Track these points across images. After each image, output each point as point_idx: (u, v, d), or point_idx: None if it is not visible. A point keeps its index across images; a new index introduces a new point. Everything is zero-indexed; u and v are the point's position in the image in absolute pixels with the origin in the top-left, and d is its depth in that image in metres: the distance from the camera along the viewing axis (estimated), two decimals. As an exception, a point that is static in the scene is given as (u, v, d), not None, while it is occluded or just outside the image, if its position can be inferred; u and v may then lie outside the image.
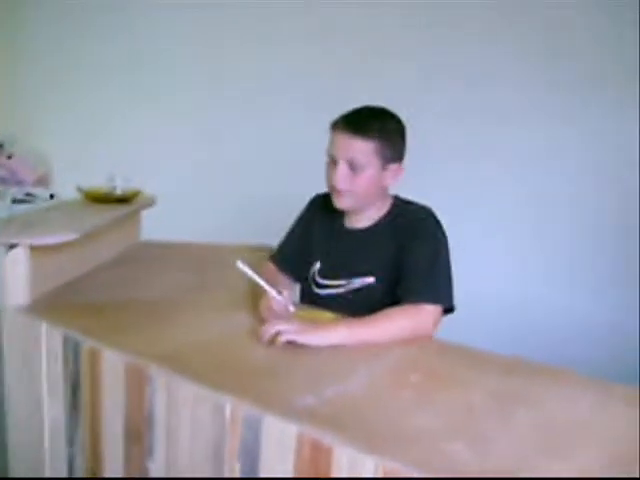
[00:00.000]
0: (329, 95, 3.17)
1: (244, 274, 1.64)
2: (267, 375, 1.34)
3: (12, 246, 1.69)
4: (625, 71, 2.71)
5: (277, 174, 3.53)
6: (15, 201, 4.62)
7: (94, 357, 1.49)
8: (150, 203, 2.56)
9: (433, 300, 1.59)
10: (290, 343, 1.46)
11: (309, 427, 1.12)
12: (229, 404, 1.21)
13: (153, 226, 2.67)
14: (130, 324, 1.62)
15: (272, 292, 1.65)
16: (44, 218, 2.05)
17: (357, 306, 1.67)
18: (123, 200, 2.40)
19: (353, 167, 1.68)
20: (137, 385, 1.39)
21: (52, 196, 4.54)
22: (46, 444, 1.65)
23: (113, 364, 1.44)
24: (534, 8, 2.87)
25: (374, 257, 1.77)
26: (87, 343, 1.51)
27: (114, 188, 2.41)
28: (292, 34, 3.54)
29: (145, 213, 2.62)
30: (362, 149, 1.67)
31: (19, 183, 4.76)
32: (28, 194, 4.62)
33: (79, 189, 2.41)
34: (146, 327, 1.59)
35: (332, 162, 1.72)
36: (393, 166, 1.73)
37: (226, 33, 3.78)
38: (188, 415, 1.30)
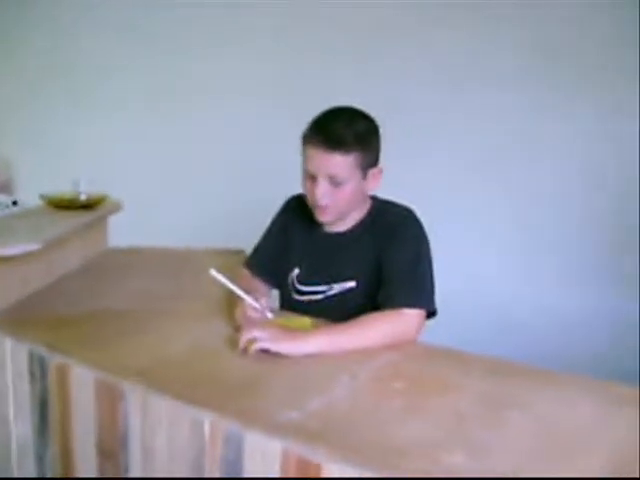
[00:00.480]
0: (309, 96, 3.11)
1: (218, 282, 1.57)
2: (247, 388, 1.27)
3: (-29, 258, 1.61)
4: (625, 70, 2.70)
5: (252, 176, 3.45)
6: (-24, 208, 4.49)
7: (62, 374, 1.41)
8: (116, 208, 2.48)
9: (415, 304, 1.54)
10: (265, 352, 1.40)
11: (295, 443, 1.06)
12: (208, 420, 1.15)
13: (123, 232, 2.60)
14: (100, 337, 1.54)
15: (248, 299, 1.59)
16: (5, 227, 1.97)
17: (338, 311, 1.61)
18: (88, 206, 2.32)
19: (334, 182, 1.61)
20: (109, 403, 1.32)
21: (15, 203, 4.41)
22: (14, 464, 1.57)
23: (83, 381, 1.37)
24: (535, 7, 2.85)
25: (354, 261, 1.71)
26: (54, 359, 1.43)
27: (78, 194, 2.33)
28: (268, 33, 3.47)
29: (114, 219, 2.54)
30: (342, 164, 1.59)
31: (-21, 190, 4.62)
32: (-10, 201, 4.48)
33: (42, 196, 2.32)
34: (117, 340, 1.52)
35: (310, 177, 1.64)
36: (373, 171, 1.67)
37: (200, 34, 3.69)
38: (165, 433, 1.23)
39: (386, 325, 1.52)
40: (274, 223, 1.90)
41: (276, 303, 1.87)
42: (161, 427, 1.23)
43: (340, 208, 1.67)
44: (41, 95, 4.39)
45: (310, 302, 1.76)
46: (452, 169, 3.06)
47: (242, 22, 3.55)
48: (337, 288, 1.71)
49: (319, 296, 1.74)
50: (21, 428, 1.53)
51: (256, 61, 3.51)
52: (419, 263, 1.61)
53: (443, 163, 3.07)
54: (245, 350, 1.41)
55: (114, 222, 2.57)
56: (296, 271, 1.80)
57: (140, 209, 3.40)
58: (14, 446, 1.56)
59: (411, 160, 2.64)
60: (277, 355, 1.40)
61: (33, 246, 1.71)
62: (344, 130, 1.59)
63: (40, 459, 1.51)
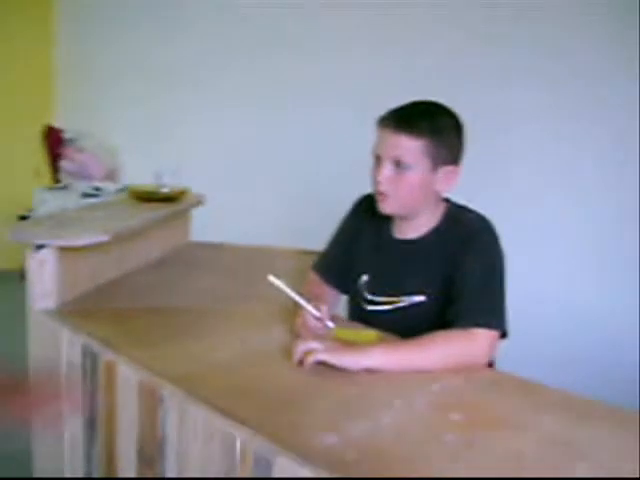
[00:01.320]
0: (386, 94, 3.01)
1: (278, 289, 1.50)
2: (290, 403, 1.19)
3: (41, 246, 1.61)
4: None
5: (335, 174, 3.37)
6: (84, 195, 4.66)
7: (110, 371, 1.38)
8: (198, 202, 2.45)
9: (487, 324, 1.40)
10: (321, 364, 1.31)
11: (325, 473, 0.97)
12: (240, 438, 1.07)
13: (210, 227, 2.59)
14: (153, 336, 1.50)
15: (308, 307, 1.50)
16: (82, 217, 1.97)
17: (409, 326, 1.48)
18: (169, 199, 2.31)
19: (399, 167, 1.50)
20: (150, 406, 1.27)
21: (120, 190, 4.55)
22: (66, 458, 1.56)
23: (128, 380, 1.33)
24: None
25: (425, 273, 1.58)
26: (105, 355, 1.40)
27: (160, 186, 2.32)
28: (345, 30, 3.38)
29: (203, 213, 2.52)
30: (409, 147, 1.48)
31: (89, 177, 4.79)
32: (97, 188, 4.64)
33: (124, 187, 2.32)
34: (170, 340, 1.47)
35: (377, 161, 1.55)
36: (446, 168, 1.53)
37: (282, 34, 3.67)
38: (200, 444, 1.16)
39: (453, 345, 1.40)
40: (343, 225, 1.80)
41: (342, 310, 1.78)
42: (196, 437, 1.17)
43: (402, 199, 1.54)
44: (148, 88, 4.49)
45: (379, 313, 1.65)
46: (524, 179, 2.86)
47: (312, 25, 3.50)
48: (406, 301, 1.59)
49: (388, 307, 1.63)
50: (72, 421, 1.52)
51: (339, 58, 3.43)
52: (493, 279, 1.47)
53: (514, 172, 2.87)
54: (300, 362, 1.33)
55: (202, 217, 2.55)
56: (364, 278, 1.69)
57: (228, 205, 3.41)
58: (66, 439, 1.54)
59: (478, 169, 2.48)
60: (332, 370, 1.31)
61: (102, 237, 1.69)
62: (419, 115, 1.52)
63: (88, 455, 1.49)
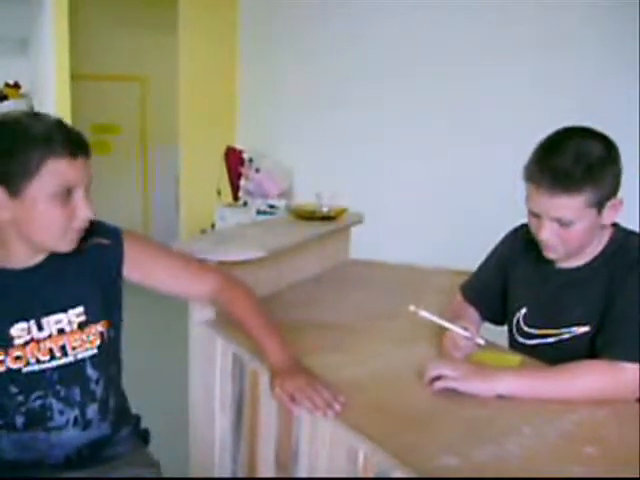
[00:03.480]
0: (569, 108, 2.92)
1: (423, 318, 1.51)
2: (416, 423, 1.21)
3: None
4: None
5: (495, 197, 3.29)
6: (259, 212, 4.94)
7: (255, 379, 1.47)
8: (357, 221, 2.52)
9: (638, 358, 1.31)
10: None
11: (440, 493, 0.98)
12: (362, 451, 1.11)
13: (371, 244, 2.65)
14: (297, 349, 1.55)
15: (457, 329, 1.51)
16: (243, 234, 2.11)
17: (570, 358, 1.40)
18: (328, 218, 2.40)
19: (561, 223, 1.41)
20: (287, 415, 1.34)
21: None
22: (216, 458, 1.67)
23: (268, 389, 1.41)
24: None
25: (587, 302, 1.49)
26: (251, 364, 1.50)
27: (320, 206, 2.42)
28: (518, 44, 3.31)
29: (365, 232, 2.59)
30: (570, 207, 1.38)
31: (264, 195, 5.06)
32: (271, 206, 4.89)
33: (287, 207, 2.45)
34: (312, 353, 1.53)
35: (534, 215, 1.46)
36: (610, 203, 1.43)
37: (457, 48, 3.65)
38: (327, 454, 1.22)
39: (597, 378, 1.33)
40: (495, 253, 1.75)
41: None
42: (324, 448, 1.22)
43: (570, 248, 1.47)
44: (320, 110, 4.65)
45: (537, 347, 1.57)
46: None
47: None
48: (569, 333, 1.51)
49: (549, 340, 1.55)
50: (222, 423, 1.63)
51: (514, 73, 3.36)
52: None
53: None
54: (431, 382, 1.35)
55: (365, 235, 2.62)
56: (523, 311, 1.62)
57: (388, 224, 3.46)
58: (217, 440, 1.66)
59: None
60: (464, 393, 1.31)
61: (259, 253, 1.80)
62: (571, 166, 1.37)
63: (234, 457, 1.59)
